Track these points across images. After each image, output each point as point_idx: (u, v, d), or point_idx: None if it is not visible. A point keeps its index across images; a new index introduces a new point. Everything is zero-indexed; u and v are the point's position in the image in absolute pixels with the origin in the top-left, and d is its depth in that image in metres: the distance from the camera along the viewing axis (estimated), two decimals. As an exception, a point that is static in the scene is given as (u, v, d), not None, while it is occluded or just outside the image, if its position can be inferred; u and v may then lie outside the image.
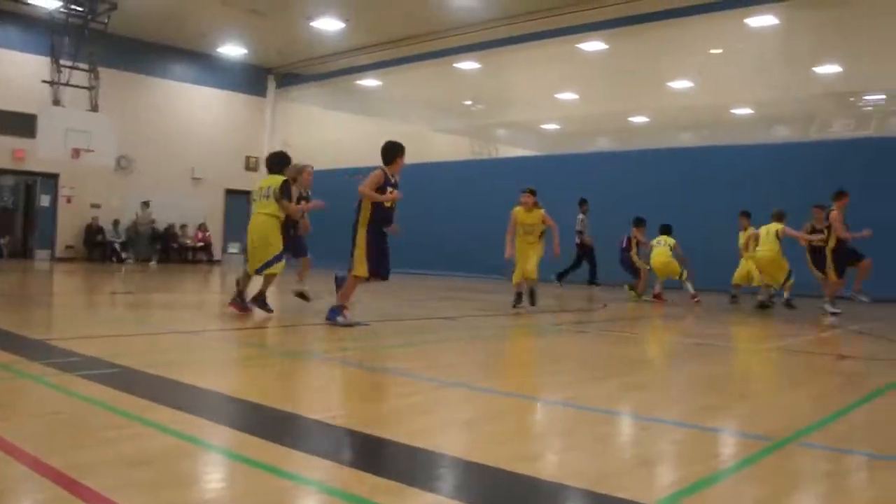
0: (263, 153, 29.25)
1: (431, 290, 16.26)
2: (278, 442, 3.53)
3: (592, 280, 16.99)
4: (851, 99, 21.07)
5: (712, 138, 23.31)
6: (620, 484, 3.09)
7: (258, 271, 9.38)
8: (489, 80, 25.85)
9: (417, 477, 3.13)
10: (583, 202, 16.93)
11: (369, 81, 27.85)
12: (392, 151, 8.96)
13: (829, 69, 21.32)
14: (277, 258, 9.36)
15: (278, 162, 9.72)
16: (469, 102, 28.13)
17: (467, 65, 24.77)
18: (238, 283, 9.67)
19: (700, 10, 18.88)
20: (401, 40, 24.05)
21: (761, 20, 19.13)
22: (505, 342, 8.26)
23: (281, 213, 9.38)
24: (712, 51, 21.43)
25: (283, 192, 9.33)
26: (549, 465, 3.48)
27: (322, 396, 4.78)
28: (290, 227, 9.95)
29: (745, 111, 26.09)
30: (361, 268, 8.39)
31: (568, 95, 26.93)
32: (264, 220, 9.28)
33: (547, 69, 24.52)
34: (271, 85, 29.50)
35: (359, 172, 10.55)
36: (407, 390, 5.06)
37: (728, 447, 3.94)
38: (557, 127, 31.41)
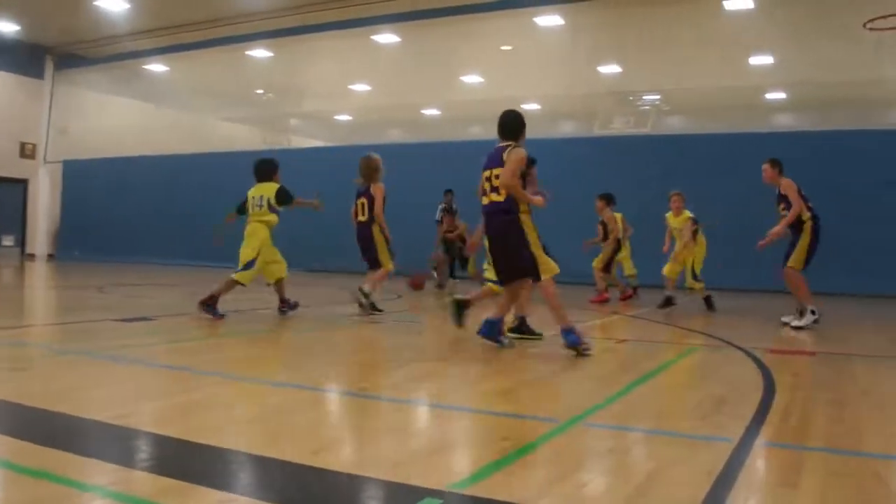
0: (41, 139, 27.50)
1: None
2: (54, 446, 3.33)
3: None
4: (631, 98, 22.36)
5: (502, 132, 24.07)
6: (414, 471, 3.15)
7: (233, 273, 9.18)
8: (282, 70, 25.49)
9: (206, 475, 3.05)
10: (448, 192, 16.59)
11: (156, 66, 26.72)
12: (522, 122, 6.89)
13: (611, 69, 22.56)
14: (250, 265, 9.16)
15: (266, 170, 9.55)
16: (261, 91, 27.63)
17: (259, 53, 24.29)
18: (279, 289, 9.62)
19: (490, 7, 19.43)
20: (189, 24, 23.20)
21: (548, 19, 19.91)
22: (297, 335, 8.19)
23: (274, 221, 9.38)
24: (503, 47, 22.13)
25: (283, 199, 9.31)
26: (342, 456, 3.49)
27: (102, 396, 4.55)
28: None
29: (532, 106, 27.11)
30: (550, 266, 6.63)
31: (361, 87, 27.00)
32: (260, 227, 9.27)
33: (340, 60, 24.48)
34: (49, 66, 27.67)
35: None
36: (194, 385, 4.93)
37: (518, 430, 4.10)
38: (350, 118, 31.47)
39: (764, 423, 4.17)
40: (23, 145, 27.17)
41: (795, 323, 8.96)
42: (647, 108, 22.02)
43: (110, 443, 3.54)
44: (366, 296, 9.53)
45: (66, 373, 5.35)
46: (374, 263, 9.90)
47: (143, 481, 2.94)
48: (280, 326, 8.74)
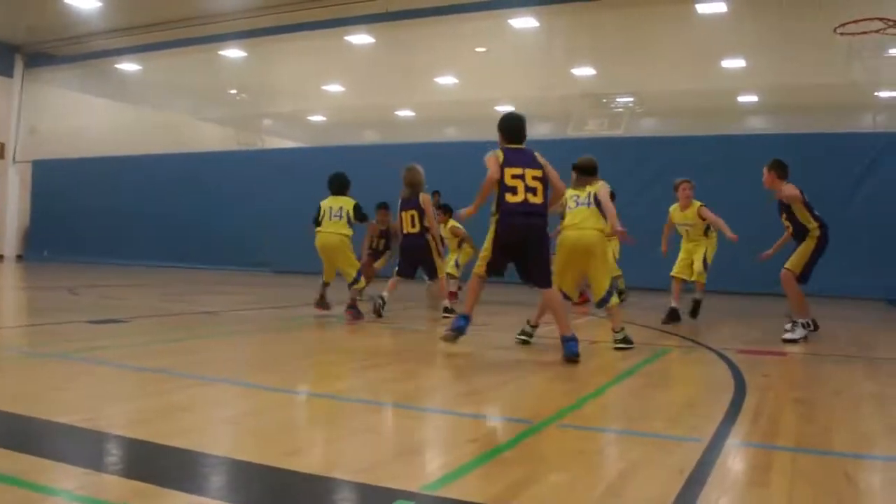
0: (10, 138, 27.15)
1: (195, 284, 15.79)
2: (21, 450, 3.30)
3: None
4: (604, 100, 22.49)
5: (477, 134, 24.08)
6: (387, 473, 3.15)
7: (350, 286, 9.67)
8: (255, 70, 25.37)
9: (177, 478, 3.04)
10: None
11: (128, 65, 26.47)
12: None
13: (585, 71, 22.69)
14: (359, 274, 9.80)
15: (342, 184, 9.99)
16: (234, 91, 27.50)
17: (232, 52, 24.15)
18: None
19: (465, 8, 19.44)
20: (163, 23, 23.00)
21: (523, 21, 19.96)
22: (269, 336, 8.17)
23: (351, 234, 9.70)
24: (477, 49, 22.15)
25: (360, 216, 9.78)
26: (315, 458, 3.49)
27: (72, 398, 4.52)
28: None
29: (507, 108, 27.15)
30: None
31: (335, 87, 26.96)
32: (340, 239, 9.58)
33: (314, 60, 24.43)
34: (19, 64, 27.36)
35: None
36: (166, 388, 4.90)
37: (490, 431, 4.11)
38: (324, 119, 31.43)
39: (735, 423, 4.22)
40: (-9, 145, 26.89)
41: (787, 336, 7.90)
42: (621, 110, 22.17)
43: (79, 446, 3.52)
44: (384, 302, 9.80)
45: (36, 375, 5.30)
46: (432, 273, 10.20)
47: (112, 485, 2.92)
48: (254, 328, 8.71)
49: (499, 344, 7.36)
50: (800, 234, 8.08)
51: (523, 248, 6.50)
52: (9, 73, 27.29)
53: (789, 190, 7.89)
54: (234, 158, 23.52)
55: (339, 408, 4.56)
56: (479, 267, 6.65)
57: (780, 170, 8.09)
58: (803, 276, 7.97)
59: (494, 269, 6.60)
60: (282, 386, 5.12)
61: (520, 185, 6.46)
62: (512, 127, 6.89)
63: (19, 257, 26.60)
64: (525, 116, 7.05)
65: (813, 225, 7.94)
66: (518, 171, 6.51)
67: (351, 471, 3.17)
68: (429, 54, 22.78)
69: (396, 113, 29.17)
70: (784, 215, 8.19)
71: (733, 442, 3.85)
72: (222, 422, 4.14)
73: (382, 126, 29.56)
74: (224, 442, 3.69)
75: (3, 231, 27.35)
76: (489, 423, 4.31)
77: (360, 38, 22.07)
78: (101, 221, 23.16)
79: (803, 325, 7.95)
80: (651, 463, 3.43)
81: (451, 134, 28.20)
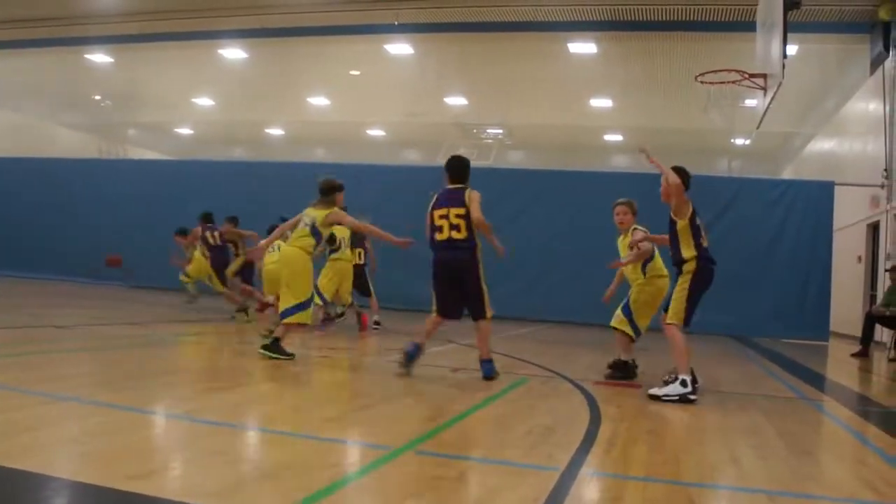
0: None
1: (44, 296, 15.08)
2: None
3: None
4: (475, 130, 22.84)
5: (346, 156, 24.02)
6: (241, 498, 3.08)
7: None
8: (122, 77, 24.64)
9: (18, 502, 2.87)
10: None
11: (-16, 63, 25.30)
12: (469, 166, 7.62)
13: (457, 100, 23.00)
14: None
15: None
16: (99, 98, 26.59)
17: (99, 57, 23.37)
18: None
19: (341, 31, 19.43)
20: (20, 21, 22.02)
21: (398, 47, 20.09)
22: (123, 353, 7.87)
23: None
24: (352, 71, 22.16)
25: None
26: (167, 481, 3.36)
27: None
28: None
29: (378, 132, 27.25)
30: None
31: (205, 100, 26.45)
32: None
33: (185, 72, 23.92)
34: None
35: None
36: (9, 405, 4.63)
37: (348, 457, 4.07)
38: (192, 132, 30.79)
39: (589, 453, 4.31)
40: None
41: (656, 391, 6.54)
42: (491, 140, 22.57)
43: None
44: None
45: None
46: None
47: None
48: (108, 344, 8.37)
49: (365, 368, 7.31)
50: (676, 261, 6.87)
51: (457, 279, 7.18)
52: None
53: (676, 187, 6.66)
54: (94, 166, 22.63)
55: (192, 429, 4.42)
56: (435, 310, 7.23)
57: (680, 177, 6.76)
58: (687, 321, 6.75)
59: (442, 308, 7.26)
60: (132, 405, 4.92)
61: (444, 223, 7.14)
62: (451, 166, 7.49)
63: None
64: (464, 157, 7.74)
65: (691, 254, 6.72)
66: (443, 211, 7.18)
67: (204, 494, 3.07)
68: (303, 73, 22.67)
69: (267, 130, 28.85)
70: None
71: (587, 471, 3.94)
72: (68, 441, 3.93)
73: (251, 143, 29.17)
74: (69, 463, 3.51)
75: None
76: (346, 447, 4.26)
77: (233, 53, 21.77)
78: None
79: (682, 383, 6.45)
80: (507, 491, 3.45)
81: (321, 155, 28.07)
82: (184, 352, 8.28)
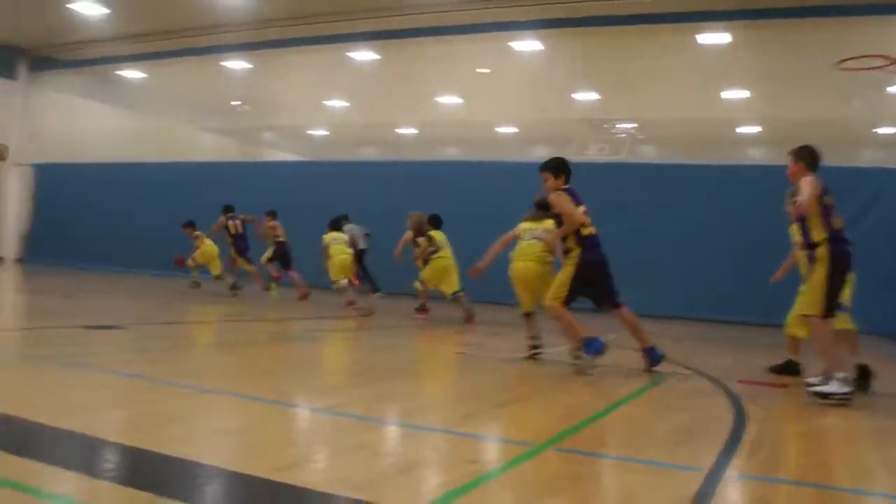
0: (12, 141, 27.12)
1: (187, 293, 15.70)
2: (21, 454, 3.25)
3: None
4: (605, 125, 22.52)
5: (477, 154, 24.09)
6: (383, 491, 3.11)
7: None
8: (258, 82, 25.40)
9: (172, 488, 2.99)
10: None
11: (132, 73, 26.50)
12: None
13: (588, 96, 22.73)
14: None
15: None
16: (237, 103, 27.52)
17: (236, 64, 24.19)
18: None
19: (468, 29, 19.47)
20: (167, 32, 23.01)
21: (526, 44, 20.00)
22: (263, 348, 8.12)
23: None
24: (480, 70, 22.19)
25: None
26: (312, 473, 3.44)
27: (67, 404, 4.46)
28: None
29: (510, 129, 27.23)
30: None
31: (337, 102, 26.99)
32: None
33: (317, 75, 24.44)
34: (23, 68, 27.32)
35: None
36: (161, 396, 4.84)
37: (488, 453, 4.07)
38: (325, 133, 31.47)
39: (734, 454, 4.17)
40: (-8, 147, 26.81)
41: (816, 387, 5.93)
42: (623, 136, 22.20)
43: (74, 451, 3.47)
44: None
45: (31, 379, 5.26)
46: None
47: (107, 492, 2.88)
48: (249, 339, 8.65)
49: (502, 365, 7.31)
50: (809, 247, 6.25)
51: (605, 271, 7.25)
52: (13, 75, 27.23)
53: (805, 184, 6.12)
54: (233, 169, 23.47)
55: (336, 423, 4.51)
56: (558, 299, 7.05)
57: (809, 158, 6.37)
58: (829, 310, 6.03)
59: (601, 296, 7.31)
60: (276, 398, 5.07)
61: (588, 219, 7.20)
62: (568, 168, 7.52)
63: (19, 260, 26.50)
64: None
65: (822, 237, 6.08)
66: (584, 207, 7.26)
67: (347, 486, 3.12)
68: (431, 73, 22.82)
69: (397, 130, 29.22)
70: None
71: (733, 473, 3.81)
72: (216, 432, 4.08)
73: (383, 143, 29.60)
74: (218, 452, 3.64)
75: (3, 234, 27.26)
76: (487, 443, 4.27)
77: (364, 55, 22.11)
78: (101, 227, 23.01)
79: (840, 381, 5.81)
80: (649, 491, 3.38)
81: (452, 153, 28.23)
82: (319, 347, 8.47)
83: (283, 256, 15.45)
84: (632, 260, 13.66)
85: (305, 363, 7.25)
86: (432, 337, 10.58)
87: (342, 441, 4.06)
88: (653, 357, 7.34)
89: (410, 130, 29.30)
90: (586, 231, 7.14)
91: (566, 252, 7.18)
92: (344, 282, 13.89)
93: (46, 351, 6.54)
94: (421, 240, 13.28)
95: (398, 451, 4.08)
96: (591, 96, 22.84)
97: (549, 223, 7.87)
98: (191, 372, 5.96)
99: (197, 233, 16.70)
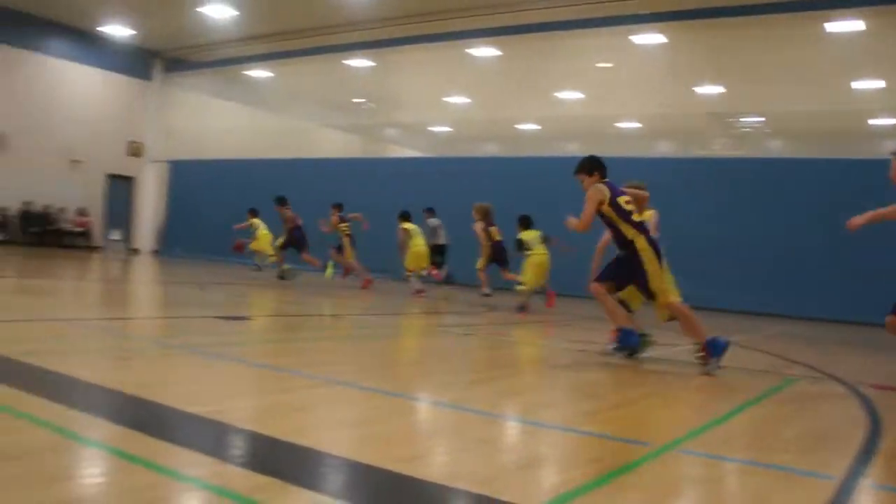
0: (148, 139, 28.40)
1: (317, 286, 16.06)
2: (156, 436, 3.40)
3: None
4: (730, 120, 21.90)
5: (598, 149, 23.81)
6: (504, 486, 3.10)
7: None
8: (380, 79, 25.77)
9: (298, 475, 3.06)
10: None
11: (259, 72, 27.35)
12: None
13: (712, 89, 22.15)
14: None
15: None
16: (360, 100, 27.98)
17: (359, 62, 24.61)
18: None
19: (590, 23, 19.26)
20: (292, 32, 23.66)
21: (649, 38, 19.64)
22: (390, 342, 8.22)
23: None
24: (601, 64, 21.92)
25: None
26: (432, 466, 3.46)
27: (200, 390, 4.64)
28: None
29: (632, 124, 26.81)
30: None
31: (458, 99, 27.10)
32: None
33: (439, 71, 24.63)
34: (158, 69, 28.55)
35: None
36: (289, 386, 4.97)
37: (610, 452, 4.01)
38: (447, 130, 31.64)
39: (869, 463, 3.98)
40: (131, 144, 28.15)
41: None
42: (749, 130, 21.55)
43: (207, 436, 3.59)
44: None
45: (167, 366, 5.49)
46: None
47: (238, 476, 2.96)
48: (373, 332, 8.78)
49: (619, 363, 7.21)
50: None
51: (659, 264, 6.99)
52: (148, 76, 28.52)
53: None
54: (356, 165, 23.89)
55: (457, 417, 4.53)
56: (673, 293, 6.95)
57: None
58: None
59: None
60: (401, 391, 5.13)
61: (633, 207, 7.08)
62: (601, 163, 7.33)
63: (154, 252, 27.66)
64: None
65: None
66: (627, 197, 7.18)
67: (470, 481, 3.12)
68: (552, 68, 22.66)
69: (518, 126, 29.13)
70: None
71: (868, 482, 3.64)
72: (341, 423, 4.16)
73: (504, 139, 29.56)
74: (343, 443, 3.70)
75: (140, 226, 28.60)
76: (608, 442, 4.20)
77: (484, 51, 22.13)
78: (229, 220, 23.75)
79: None
80: (778, 496, 3.27)
81: (572, 149, 27.99)
82: (441, 342, 8.52)
83: (352, 244, 16.65)
84: (762, 258, 13.32)
85: (429, 357, 7.32)
86: (548, 334, 10.52)
87: (464, 435, 4.07)
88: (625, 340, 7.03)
89: (531, 126, 29.17)
90: (638, 217, 7.02)
91: (622, 244, 6.95)
92: (422, 273, 15.36)
93: (181, 340, 6.82)
94: (492, 229, 14.00)
95: (519, 447, 4.06)
96: (715, 90, 22.24)
97: (647, 214, 7.76)
98: (317, 363, 6.09)
99: (255, 220, 18.27)
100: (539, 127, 28.96)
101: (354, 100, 28.06)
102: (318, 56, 24.25)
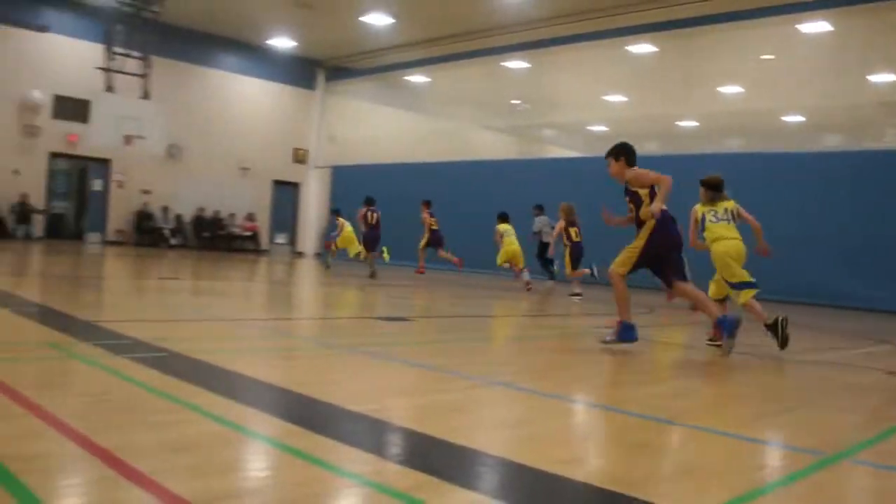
0: (311, 146, 29.45)
1: (475, 289, 16.20)
2: (320, 432, 3.51)
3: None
4: (906, 108, 20.62)
5: (762, 145, 22.97)
6: (664, 492, 3.02)
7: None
8: (536, 80, 25.72)
9: (455, 474, 3.08)
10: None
11: (417, 77, 27.86)
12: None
13: (883, 78, 20.92)
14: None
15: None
16: (517, 101, 28.03)
17: (515, 64, 24.66)
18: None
19: (752, 14, 18.57)
20: (449, 37, 23.99)
21: (814, 26, 18.77)
22: (546, 343, 8.18)
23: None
24: (763, 56, 21.12)
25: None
26: (591, 469, 3.42)
27: (361, 389, 4.75)
28: None
29: (796, 118, 25.71)
30: None
31: (616, 97, 26.72)
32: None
33: (595, 70, 24.36)
34: (320, 78, 29.57)
35: None
36: (447, 387, 5.01)
37: (777, 460, 3.84)
38: (605, 129, 31.24)
39: None
40: (296, 151, 29.37)
41: None
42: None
43: (367, 434, 3.66)
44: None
45: (330, 365, 5.66)
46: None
47: (396, 474, 3.02)
48: (532, 334, 8.76)
49: (782, 366, 6.92)
50: None
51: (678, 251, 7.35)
52: (311, 86, 29.61)
53: None
54: (514, 166, 23.91)
55: (616, 419, 4.45)
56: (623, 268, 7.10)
57: None
58: None
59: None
60: (558, 393, 5.09)
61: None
62: (631, 150, 7.60)
63: (317, 255, 28.61)
64: None
65: None
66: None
67: (626, 485, 3.05)
68: (712, 63, 22.02)
69: (677, 123, 28.46)
70: None
71: None
72: (498, 423, 4.17)
73: (663, 136, 28.94)
74: (499, 443, 3.70)
75: (304, 230, 29.69)
76: (773, 450, 4.02)
77: (642, 48, 21.72)
78: (390, 225, 24.18)
79: None
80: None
81: (734, 145, 27.11)
82: (597, 344, 8.41)
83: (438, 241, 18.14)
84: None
85: (586, 359, 7.24)
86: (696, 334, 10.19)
87: (622, 439, 4.00)
88: (725, 326, 6.96)
89: (690, 123, 28.45)
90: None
91: (640, 224, 7.10)
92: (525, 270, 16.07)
93: (343, 340, 7.01)
94: (573, 230, 14.14)
95: (679, 451, 3.94)
96: (888, 78, 21.00)
97: (730, 203, 7.99)
98: (474, 364, 6.13)
99: (340, 220, 19.18)
100: (698, 124, 28.21)
101: (512, 101, 28.16)
102: (474, 59, 24.45)
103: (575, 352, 7.58)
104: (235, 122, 27.39)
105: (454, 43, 24.04)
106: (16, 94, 22.72)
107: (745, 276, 7.70)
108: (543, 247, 17.14)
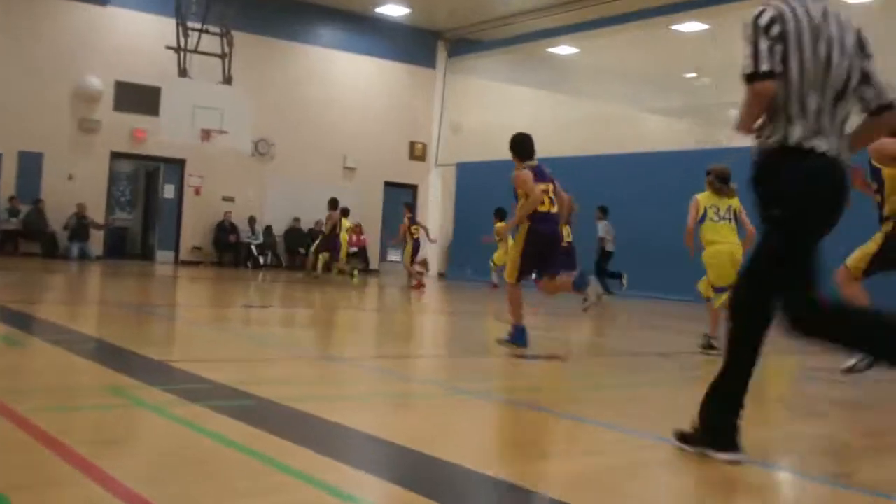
0: (432, 137, 29.05)
1: (638, 316, 15.98)
2: (438, 500, 3.50)
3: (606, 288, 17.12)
4: None
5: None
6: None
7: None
8: (719, 47, 25.12)
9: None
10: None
11: (562, 49, 27.45)
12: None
13: None
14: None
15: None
16: (692, 75, 27.41)
17: (689, 26, 24.11)
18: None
19: None
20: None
21: None
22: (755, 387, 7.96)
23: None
24: None
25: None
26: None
27: (499, 448, 4.74)
28: None
29: None
30: None
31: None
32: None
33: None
34: (441, 53, 29.23)
35: None
36: (602, 447, 4.92)
37: None
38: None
39: None
40: (412, 145, 29.12)
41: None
42: None
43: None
44: None
45: (453, 414, 5.66)
46: None
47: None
48: (704, 374, 8.55)
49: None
50: None
51: (555, 248, 9.19)
52: (431, 63, 29.18)
53: None
54: (686, 159, 23.29)
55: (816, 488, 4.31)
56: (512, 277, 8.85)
57: None
58: None
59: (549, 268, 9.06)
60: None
61: (547, 198, 8.88)
62: (524, 144, 9.48)
63: (440, 275, 28.27)
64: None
65: None
66: (545, 186, 8.90)
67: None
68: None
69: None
70: None
71: None
72: (670, 493, 4.11)
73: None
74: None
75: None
76: None
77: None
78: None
79: None
80: None
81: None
82: (811, 392, 8.18)
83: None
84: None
85: (783, 410, 7.05)
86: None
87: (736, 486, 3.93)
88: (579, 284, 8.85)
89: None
90: (542, 208, 8.75)
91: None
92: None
93: (473, 384, 6.97)
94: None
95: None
96: None
97: (734, 201, 9.25)
98: (636, 416, 5.98)
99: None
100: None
101: (685, 75, 27.52)
102: (634, 23, 23.90)
103: (769, 401, 7.37)
104: (337, 111, 27.39)
105: (609, 3, 23.53)
106: (69, 82, 23.18)
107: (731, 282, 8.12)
108: (605, 256, 18.36)
